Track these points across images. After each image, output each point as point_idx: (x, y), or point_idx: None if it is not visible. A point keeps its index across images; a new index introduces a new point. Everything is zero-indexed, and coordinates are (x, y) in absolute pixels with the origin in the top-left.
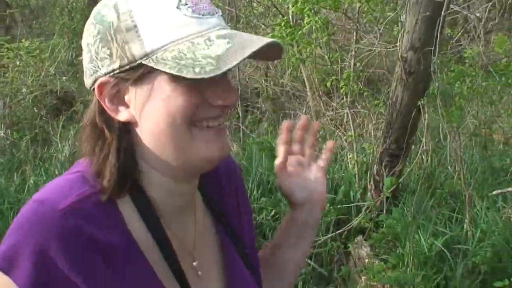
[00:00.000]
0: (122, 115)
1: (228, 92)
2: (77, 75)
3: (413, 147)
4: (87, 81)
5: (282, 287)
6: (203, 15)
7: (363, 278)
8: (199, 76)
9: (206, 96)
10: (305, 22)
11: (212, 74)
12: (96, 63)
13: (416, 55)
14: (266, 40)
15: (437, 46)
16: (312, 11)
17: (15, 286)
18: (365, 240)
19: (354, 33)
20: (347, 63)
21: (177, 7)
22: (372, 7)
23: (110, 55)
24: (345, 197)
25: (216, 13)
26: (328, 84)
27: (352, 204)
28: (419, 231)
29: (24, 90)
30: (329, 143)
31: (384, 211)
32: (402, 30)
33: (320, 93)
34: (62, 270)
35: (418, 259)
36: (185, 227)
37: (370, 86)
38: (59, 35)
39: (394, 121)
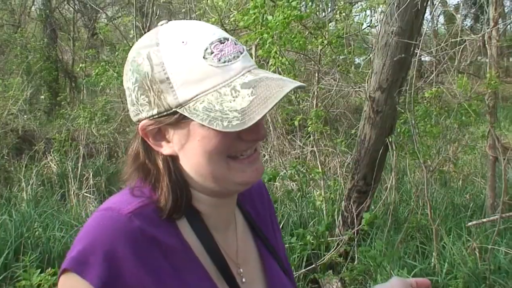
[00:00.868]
0: (166, 150)
1: (258, 127)
2: (38, 114)
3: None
4: (133, 118)
5: None
6: (228, 62)
7: None
8: (226, 130)
9: (238, 133)
10: (270, 64)
11: (238, 129)
12: (137, 107)
13: (383, 95)
14: (289, 87)
15: (403, 86)
16: (278, 53)
17: (90, 286)
18: (334, 274)
19: (316, 74)
20: (309, 103)
21: (203, 57)
22: (334, 50)
23: (149, 102)
24: (316, 238)
25: (241, 53)
26: (296, 122)
27: (322, 240)
28: (388, 264)
29: None
30: (425, 283)
31: (355, 246)
32: (370, 71)
33: (284, 133)
34: (130, 265)
35: None
36: (228, 239)
37: (328, 126)
38: (17, 74)
39: (362, 158)
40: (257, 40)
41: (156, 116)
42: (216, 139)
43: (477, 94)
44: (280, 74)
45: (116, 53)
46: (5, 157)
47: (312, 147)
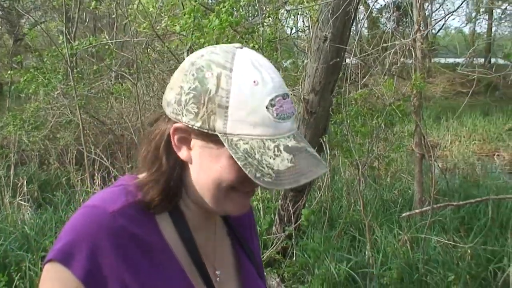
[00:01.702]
0: (183, 154)
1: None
2: None
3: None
4: (167, 110)
5: None
6: (282, 119)
7: None
8: (256, 181)
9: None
10: None
11: (266, 186)
12: (181, 109)
13: (317, 97)
14: (322, 169)
15: (334, 88)
16: None
17: (73, 276)
18: (273, 271)
19: None
20: None
21: (266, 107)
22: (264, 54)
23: (196, 114)
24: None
25: (293, 114)
26: None
27: (261, 237)
28: (326, 259)
29: None
30: None
31: (294, 243)
32: (303, 74)
33: None
34: (111, 260)
35: (328, 284)
36: (206, 240)
37: None
38: None
39: None
40: (189, 45)
41: (196, 128)
42: (235, 175)
43: (403, 95)
44: None
45: (45, 59)
46: None
47: None
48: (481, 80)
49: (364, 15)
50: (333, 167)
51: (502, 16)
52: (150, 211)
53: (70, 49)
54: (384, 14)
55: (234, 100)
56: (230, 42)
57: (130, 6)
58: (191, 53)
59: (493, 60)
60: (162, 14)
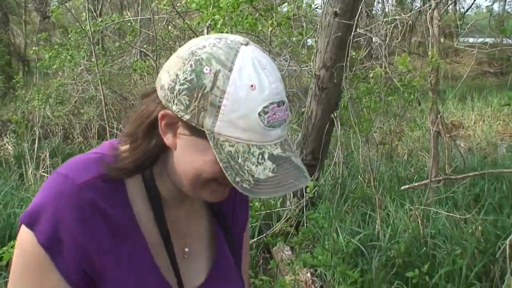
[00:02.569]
0: (168, 140)
1: None
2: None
3: (326, 160)
4: (159, 92)
5: None
6: (273, 127)
7: (287, 277)
8: (234, 185)
9: None
10: None
11: (242, 191)
12: (173, 97)
13: (328, 73)
14: (301, 183)
15: (347, 64)
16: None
17: (35, 240)
18: (286, 244)
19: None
20: None
21: (259, 113)
22: (283, 31)
23: (187, 106)
24: (265, 206)
25: (285, 122)
26: None
27: (274, 210)
28: (337, 230)
29: None
30: None
31: (305, 217)
32: (315, 50)
33: None
34: (73, 231)
35: (337, 255)
36: (181, 214)
37: None
38: None
39: (309, 133)
40: (209, 21)
41: (184, 119)
42: (217, 170)
43: (421, 73)
44: None
45: (69, 35)
46: None
47: None
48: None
49: None
50: (352, 145)
51: None
52: (118, 176)
53: (93, 26)
54: None
55: (228, 101)
56: (247, 19)
57: None
58: (210, 30)
59: None
60: None
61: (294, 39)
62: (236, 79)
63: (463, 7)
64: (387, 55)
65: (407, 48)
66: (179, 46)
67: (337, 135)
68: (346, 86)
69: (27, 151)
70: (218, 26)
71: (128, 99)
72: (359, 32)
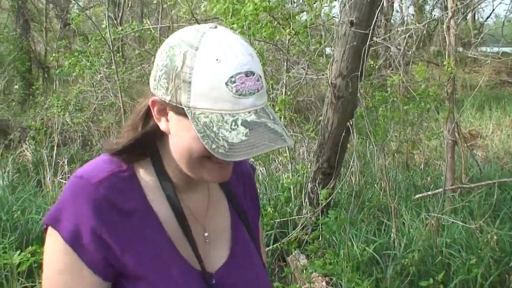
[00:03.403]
0: (163, 125)
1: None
2: (12, 104)
3: (343, 168)
4: (150, 85)
5: None
6: (243, 95)
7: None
8: (211, 152)
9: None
10: None
11: (220, 157)
12: (156, 83)
13: (344, 82)
14: (278, 144)
15: (363, 73)
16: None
17: (60, 236)
18: (301, 252)
19: (285, 64)
20: (279, 92)
21: (226, 83)
22: (301, 39)
23: (167, 89)
24: (279, 214)
25: (258, 91)
26: None
27: (289, 218)
28: (352, 239)
29: None
30: None
31: (320, 224)
32: (331, 59)
33: None
34: (94, 225)
35: (352, 263)
36: (196, 199)
37: (299, 114)
38: None
39: (326, 141)
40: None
41: (167, 101)
42: (200, 144)
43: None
44: None
45: (89, 43)
46: None
47: None
48: None
49: (411, 2)
50: (368, 153)
51: None
52: (123, 160)
53: (113, 34)
54: (429, 2)
55: (196, 77)
56: (265, 27)
57: None
58: None
59: None
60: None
61: (312, 47)
62: (202, 55)
63: (481, 17)
64: (404, 64)
65: (424, 57)
66: None
67: (353, 144)
68: (362, 95)
69: (45, 157)
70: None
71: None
72: (376, 41)
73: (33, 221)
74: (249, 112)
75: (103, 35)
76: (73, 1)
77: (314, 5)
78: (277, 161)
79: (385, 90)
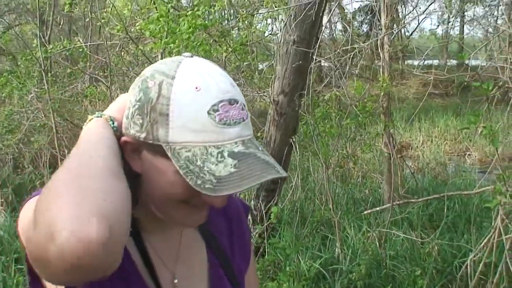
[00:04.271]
0: (136, 166)
1: (222, 197)
2: None
3: (284, 185)
4: (123, 128)
5: None
6: (228, 125)
7: None
8: (197, 188)
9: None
10: None
11: (206, 193)
12: (129, 122)
13: (286, 99)
14: (270, 175)
15: (307, 90)
16: None
17: None
18: None
19: None
20: None
21: (208, 112)
22: (238, 56)
23: (141, 125)
24: None
25: (244, 121)
26: None
27: None
28: (298, 256)
29: None
30: None
31: (266, 241)
32: (273, 76)
33: None
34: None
35: (299, 280)
36: (167, 241)
37: None
38: None
39: None
40: (163, 48)
41: (142, 140)
42: (181, 189)
43: (371, 96)
44: None
45: (19, 62)
46: None
47: None
48: (453, 80)
49: (338, 18)
50: (306, 167)
51: (474, 18)
52: None
53: (44, 52)
54: (357, 18)
55: (175, 106)
56: (202, 45)
57: (105, 9)
58: (164, 56)
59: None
60: (137, 17)
61: (245, 64)
62: (179, 83)
63: (407, 31)
64: (338, 78)
65: (356, 72)
66: (133, 72)
67: (295, 159)
68: (304, 112)
69: None
70: (173, 54)
71: (79, 126)
72: (315, 59)
73: None
74: (235, 142)
75: (34, 54)
76: None
77: (246, 22)
78: None
79: (323, 105)
